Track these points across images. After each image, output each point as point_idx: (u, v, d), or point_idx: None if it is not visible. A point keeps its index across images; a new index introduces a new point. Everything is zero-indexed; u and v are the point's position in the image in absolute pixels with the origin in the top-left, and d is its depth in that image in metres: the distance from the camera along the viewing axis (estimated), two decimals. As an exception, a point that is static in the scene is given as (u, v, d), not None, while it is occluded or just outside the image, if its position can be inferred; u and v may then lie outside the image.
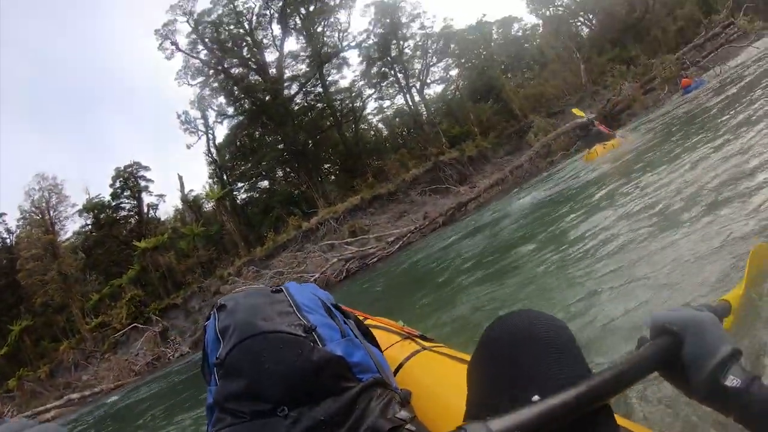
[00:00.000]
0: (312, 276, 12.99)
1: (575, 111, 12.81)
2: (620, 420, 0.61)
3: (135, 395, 9.19)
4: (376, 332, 1.02)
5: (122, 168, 26.77)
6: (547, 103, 21.88)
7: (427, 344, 1.17)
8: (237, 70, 24.31)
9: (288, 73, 24.32)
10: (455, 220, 13.10)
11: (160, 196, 27.25)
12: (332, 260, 13.66)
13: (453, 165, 18.91)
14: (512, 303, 2.62)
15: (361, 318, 1.05)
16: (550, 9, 28.25)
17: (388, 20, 23.92)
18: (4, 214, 25.56)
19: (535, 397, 0.47)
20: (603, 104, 17.95)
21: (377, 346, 0.94)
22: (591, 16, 28.33)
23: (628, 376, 0.48)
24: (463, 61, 25.49)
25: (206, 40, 23.56)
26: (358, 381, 0.76)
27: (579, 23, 28.87)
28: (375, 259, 12.89)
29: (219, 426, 0.72)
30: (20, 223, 24.40)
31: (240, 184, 24.43)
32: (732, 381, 0.47)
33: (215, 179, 23.73)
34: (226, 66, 24.01)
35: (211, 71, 23.96)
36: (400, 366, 1.06)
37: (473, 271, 4.35)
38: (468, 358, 0.90)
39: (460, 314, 2.93)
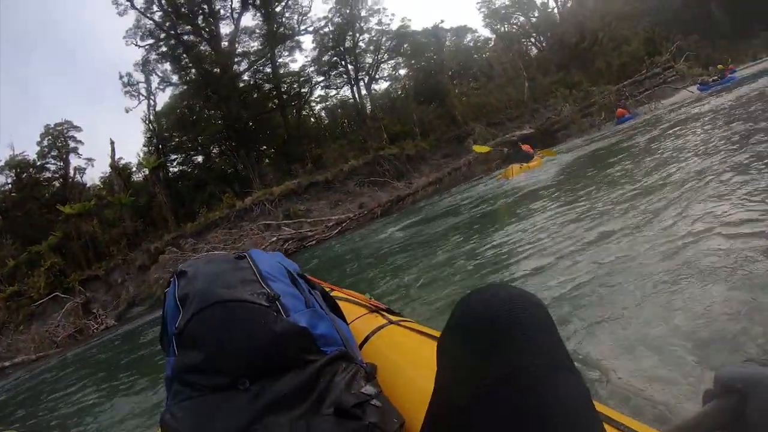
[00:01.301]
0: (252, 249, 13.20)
1: (476, 148, 12.91)
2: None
3: (60, 368, 8.83)
4: (342, 304, 1.02)
5: (52, 126, 25.22)
6: (488, 114, 22.82)
7: (394, 318, 1.14)
8: (189, 38, 23.58)
9: (240, 49, 23.92)
10: (392, 212, 13.78)
11: (89, 159, 25.82)
12: (271, 239, 13.79)
13: (391, 161, 19.44)
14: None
15: (327, 289, 1.03)
16: (505, 26, 29.70)
17: (347, 11, 24.09)
18: None
19: None
20: (542, 121, 19.27)
21: (343, 318, 0.92)
22: (542, 39, 29.94)
23: None
24: (413, 62, 26.11)
25: (162, 1, 22.63)
26: (322, 354, 0.74)
27: (530, 43, 30.41)
28: (313, 242, 13.17)
29: (178, 398, 0.69)
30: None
31: (174, 156, 23.73)
32: None
33: (151, 148, 22.88)
34: (179, 31, 23.23)
35: (163, 35, 23.08)
36: (366, 339, 1.03)
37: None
38: (436, 333, 0.92)
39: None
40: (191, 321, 0.73)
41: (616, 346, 1.62)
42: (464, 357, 0.54)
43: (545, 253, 3.00)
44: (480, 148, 13.05)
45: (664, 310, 1.74)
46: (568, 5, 29.19)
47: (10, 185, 24.27)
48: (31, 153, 24.79)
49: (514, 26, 29.86)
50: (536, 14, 29.94)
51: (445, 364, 0.58)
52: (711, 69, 21.64)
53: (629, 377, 1.43)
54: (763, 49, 41.87)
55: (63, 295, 16.68)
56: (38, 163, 25.21)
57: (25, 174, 24.61)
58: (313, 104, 26.63)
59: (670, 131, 7.29)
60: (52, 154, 25.54)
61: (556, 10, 29.75)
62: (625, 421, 0.61)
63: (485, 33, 30.81)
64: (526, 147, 11.75)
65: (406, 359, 0.92)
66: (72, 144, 25.57)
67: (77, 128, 25.58)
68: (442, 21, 29.08)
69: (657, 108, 15.40)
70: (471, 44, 29.58)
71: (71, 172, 25.39)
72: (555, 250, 2.95)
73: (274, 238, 13.96)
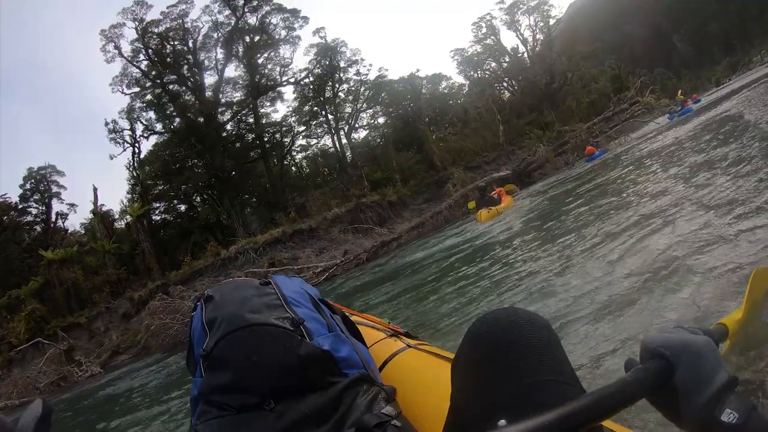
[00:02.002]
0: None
1: (471, 204, 13.91)
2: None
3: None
4: (362, 328, 1.03)
5: (35, 169, 25.27)
6: (465, 158, 23.51)
7: (412, 342, 1.17)
8: (174, 87, 24.14)
9: (223, 99, 24.53)
10: (377, 257, 14.19)
11: (72, 205, 25.80)
12: None
13: (373, 207, 20.09)
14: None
15: (347, 314, 1.05)
16: (478, 72, 30.89)
17: (327, 62, 25.05)
18: None
19: (502, 422, 0.46)
20: (518, 163, 20.12)
21: (363, 342, 0.94)
22: (514, 82, 31.07)
23: (613, 401, 0.42)
24: (391, 110, 26.98)
25: (150, 50, 23.27)
26: (344, 376, 0.77)
27: (502, 87, 31.54)
28: None
29: (204, 418, 0.72)
30: None
31: (157, 205, 23.89)
32: (729, 415, 0.43)
33: (134, 195, 23.09)
34: (164, 80, 23.80)
35: (149, 83, 23.60)
36: (385, 363, 1.05)
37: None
38: (452, 356, 0.99)
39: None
40: (219, 343, 0.77)
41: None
42: (478, 375, 0.58)
43: (528, 285, 3.42)
44: (472, 204, 14.00)
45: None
46: (537, 49, 30.67)
47: (-11, 228, 24.15)
48: (13, 196, 24.67)
49: (487, 72, 30.94)
50: (507, 59, 31.34)
51: (459, 383, 0.62)
52: (672, 101, 22.86)
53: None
54: (725, 74, 44.80)
55: (45, 341, 16.61)
56: (20, 206, 25.06)
57: (6, 217, 24.39)
58: (295, 153, 27.28)
59: (631, 167, 7.95)
60: (35, 197, 25.45)
61: (525, 55, 31.11)
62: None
63: (459, 79, 31.92)
64: (496, 191, 12.24)
65: (425, 382, 0.94)
66: (55, 188, 25.59)
67: (60, 173, 25.70)
68: (417, 70, 30.22)
69: (626, 142, 15.94)
70: (446, 91, 30.62)
71: (53, 216, 25.35)
72: (533, 284, 3.32)
73: (261, 284, 14.36)
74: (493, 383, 0.56)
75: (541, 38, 30.56)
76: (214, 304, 0.87)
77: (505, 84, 31.23)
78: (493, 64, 31.03)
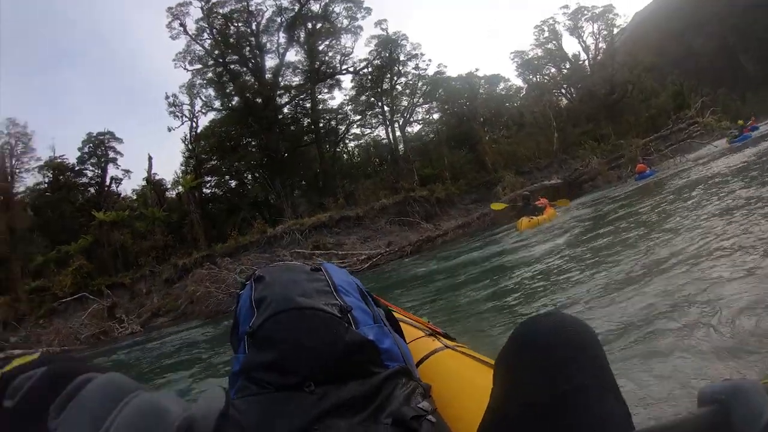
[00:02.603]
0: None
1: (494, 206, 13.69)
2: None
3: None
4: (402, 325, 1.05)
5: (94, 134, 26.25)
6: (517, 162, 23.18)
7: (450, 343, 1.19)
8: (235, 67, 24.62)
9: (282, 82, 24.84)
10: (421, 251, 14.21)
11: (126, 171, 26.77)
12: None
13: (421, 202, 19.97)
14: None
15: (390, 308, 1.08)
16: (537, 76, 30.30)
17: (387, 54, 25.07)
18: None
19: None
20: (570, 172, 19.66)
21: (403, 337, 0.95)
22: (572, 90, 30.38)
23: None
24: (446, 107, 26.75)
25: (214, 30, 23.80)
26: (385, 367, 0.78)
27: (560, 94, 30.84)
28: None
29: (243, 393, 0.73)
30: (-26, 162, 23.24)
31: (208, 179, 24.46)
32: None
33: (188, 168, 23.71)
34: (226, 60, 24.29)
35: (211, 61, 24.16)
36: (421, 360, 1.07)
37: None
38: (489, 360, 0.96)
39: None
40: (266, 322, 0.78)
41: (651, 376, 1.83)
42: (519, 376, 0.59)
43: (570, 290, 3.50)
44: (497, 206, 13.75)
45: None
46: (599, 58, 29.80)
47: (46, 185, 25.09)
48: (71, 157, 25.73)
49: (546, 77, 30.35)
50: (567, 66, 30.60)
51: (502, 381, 0.63)
52: (732, 125, 21.93)
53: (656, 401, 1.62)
54: (795, 100, 42.04)
55: (90, 296, 17.14)
56: (77, 168, 26.10)
57: (62, 176, 25.40)
58: (348, 141, 27.42)
59: (685, 192, 7.62)
60: (91, 161, 26.45)
61: (587, 62, 30.30)
62: None
63: (517, 82, 31.42)
64: (540, 201, 12.10)
65: (460, 383, 0.96)
66: (111, 154, 26.57)
67: (118, 140, 26.64)
68: (476, 69, 29.81)
69: (680, 163, 15.43)
70: (503, 92, 30.21)
71: (107, 180, 26.31)
72: (581, 290, 3.39)
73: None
74: (533, 384, 0.56)
75: (604, 47, 29.77)
76: (264, 284, 0.88)
77: (563, 91, 30.51)
78: (553, 70, 30.37)
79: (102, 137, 26.42)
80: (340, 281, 0.92)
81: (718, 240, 3.50)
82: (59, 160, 25.34)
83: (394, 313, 1.07)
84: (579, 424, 0.52)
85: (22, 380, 0.37)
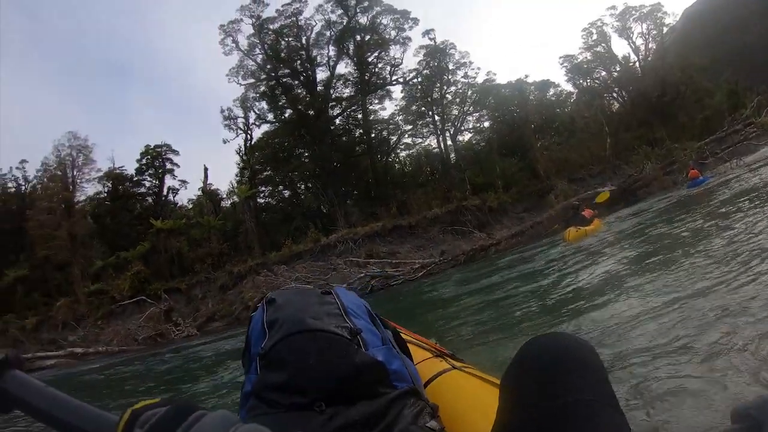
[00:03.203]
0: (337, 286, 13.80)
1: (599, 198, 13.65)
2: None
3: (138, 363, 9.36)
4: (410, 346, 1.07)
5: (152, 146, 27.42)
6: (570, 169, 22.64)
7: (457, 364, 1.20)
8: (287, 80, 25.32)
9: (333, 94, 25.32)
10: (475, 260, 14.10)
11: (183, 182, 27.88)
12: (359, 275, 14.32)
13: (473, 211, 19.77)
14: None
15: (398, 330, 1.09)
16: (587, 80, 29.43)
17: (436, 64, 25.13)
18: (26, 161, 26.16)
19: None
20: (624, 179, 19.02)
21: (411, 358, 0.97)
22: (624, 93, 29.34)
23: None
24: (497, 114, 26.51)
25: (265, 45, 24.58)
26: (393, 388, 0.79)
27: (611, 98, 29.89)
28: (400, 281, 13.60)
29: (253, 413, 0.74)
30: (39, 174, 24.71)
31: (262, 189, 25.12)
32: None
33: (243, 178, 24.43)
34: (278, 74, 25.01)
35: (263, 76, 24.93)
36: (429, 381, 1.09)
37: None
38: (496, 380, 0.99)
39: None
40: (278, 344, 0.80)
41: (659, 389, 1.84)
42: (525, 389, 0.62)
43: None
44: (601, 197, 13.71)
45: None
46: (649, 59, 28.72)
47: (106, 194, 26.38)
48: (129, 168, 26.97)
49: (596, 81, 29.46)
50: (618, 68, 29.64)
51: (506, 398, 0.66)
52: None
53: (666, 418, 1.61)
54: None
55: (148, 300, 17.74)
56: (135, 178, 27.33)
57: (121, 186, 26.64)
58: (399, 150, 27.49)
59: (737, 202, 7.14)
60: (149, 172, 27.63)
61: (637, 64, 29.22)
62: None
63: (568, 87, 30.72)
64: (587, 211, 12.02)
65: (467, 403, 0.97)
66: (168, 165, 27.69)
67: (175, 152, 27.76)
68: (526, 75, 29.59)
69: (737, 167, 14.56)
70: (554, 98, 29.64)
71: (165, 190, 27.47)
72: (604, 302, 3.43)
73: (362, 274, 14.45)
74: (534, 397, 0.59)
75: (654, 47, 28.71)
76: (276, 306, 0.90)
77: (614, 94, 29.51)
78: (603, 73, 29.32)
79: (159, 149, 27.58)
80: (350, 304, 0.95)
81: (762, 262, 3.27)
82: (118, 171, 26.66)
83: (402, 335, 1.10)
84: None
85: (149, 415, 0.43)
